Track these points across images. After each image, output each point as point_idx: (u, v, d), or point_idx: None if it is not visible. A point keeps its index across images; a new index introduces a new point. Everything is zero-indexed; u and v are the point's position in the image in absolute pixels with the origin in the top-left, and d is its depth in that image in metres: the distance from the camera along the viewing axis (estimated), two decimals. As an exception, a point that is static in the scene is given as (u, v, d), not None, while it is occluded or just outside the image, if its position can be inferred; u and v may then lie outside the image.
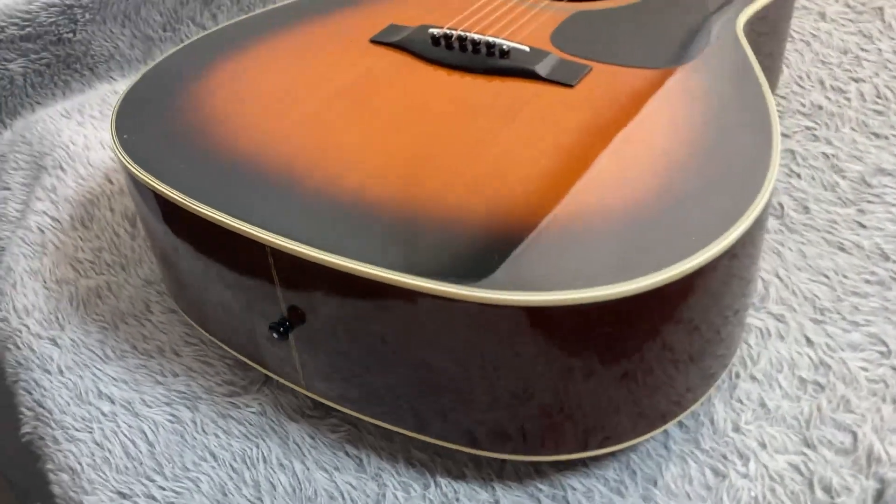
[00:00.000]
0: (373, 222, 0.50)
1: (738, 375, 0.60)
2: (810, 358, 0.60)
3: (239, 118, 0.61)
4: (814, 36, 0.91)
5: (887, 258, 0.67)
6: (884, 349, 0.60)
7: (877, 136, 0.79)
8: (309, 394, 0.58)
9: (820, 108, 0.82)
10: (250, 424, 0.60)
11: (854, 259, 0.67)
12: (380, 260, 0.47)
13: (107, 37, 0.97)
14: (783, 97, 0.84)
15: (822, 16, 0.93)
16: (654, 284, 0.46)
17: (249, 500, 0.56)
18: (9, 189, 0.87)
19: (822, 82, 0.85)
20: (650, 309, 0.48)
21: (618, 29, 0.69)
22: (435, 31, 0.66)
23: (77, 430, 0.62)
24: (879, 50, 0.89)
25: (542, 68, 0.62)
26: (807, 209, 0.72)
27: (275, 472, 0.58)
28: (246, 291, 0.55)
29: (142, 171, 0.56)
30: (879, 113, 0.81)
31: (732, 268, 0.51)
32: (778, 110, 0.81)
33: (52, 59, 0.95)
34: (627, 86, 0.61)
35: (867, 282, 0.65)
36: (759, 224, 0.52)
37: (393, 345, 0.50)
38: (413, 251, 0.48)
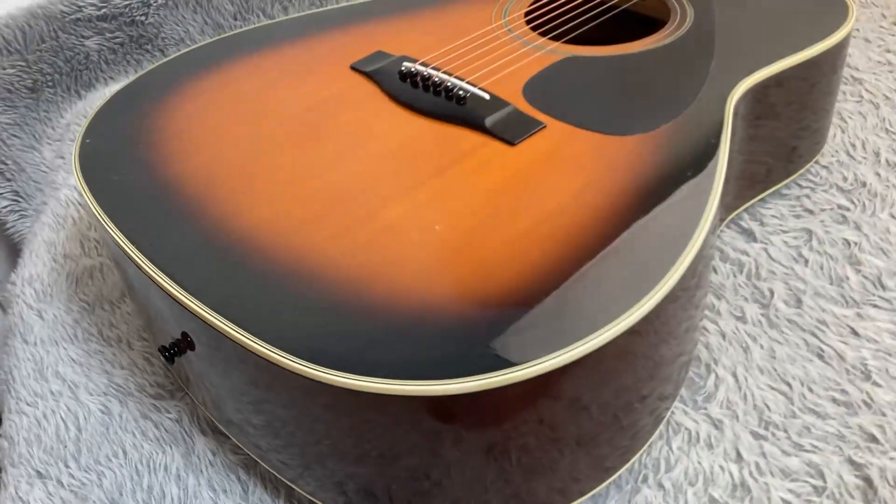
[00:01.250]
0: (240, 271, 0.50)
1: (644, 479, 0.55)
2: (732, 477, 0.54)
3: (181, 142, 0.62)
4: (886, 98, 0.80)
5: (868, 377, 0.58)
6: (819, 484, 0.53)
7: (917, 228, 0.68)
8: (206, 412, 0.60)
9: (864, 184, 0.72)
10: (165, 430, 0.63)
11: (829, 371, 0.59)
12: (234, 313, 0.47)
13: (178, 21, 1.03)
14: (825, 167, 0.74)
15: (906, 75, 0.82)
16: (519, 378, 0.43)
17: (138, 505, 0.59)
18: (62, 158, 0.95)
19: (877, 154, 0.75)
20: (525, 389, 0.45)
21: (597, 82, 0.64)
22: (405, 66, 0.65)
23: (27, 403, 0.68)
24: (962, 124, 0.76)
25: (490, 120, 0.59)
26: (799, 302, 0.64)
27: (169, 482, 0.60)
28: (154, 306, 0.57)
29: (81, 177, 0.59)
30: (931, 201, 0.70)
31: (633, 345, 0.47)
32: (814, 182, 0.73)
33: (126, 39, 1.01)
34: (570, 150, 0.57)
35: (833, 401, 0.57)
36: (666, 303, 0.47)
37: (253, 397, 0.50)
38: (272, 315, 0.47)
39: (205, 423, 0.63)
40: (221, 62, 0.69)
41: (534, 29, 0.72)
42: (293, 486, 0.55)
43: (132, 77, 1.02)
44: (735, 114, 0.62)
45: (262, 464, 0.57)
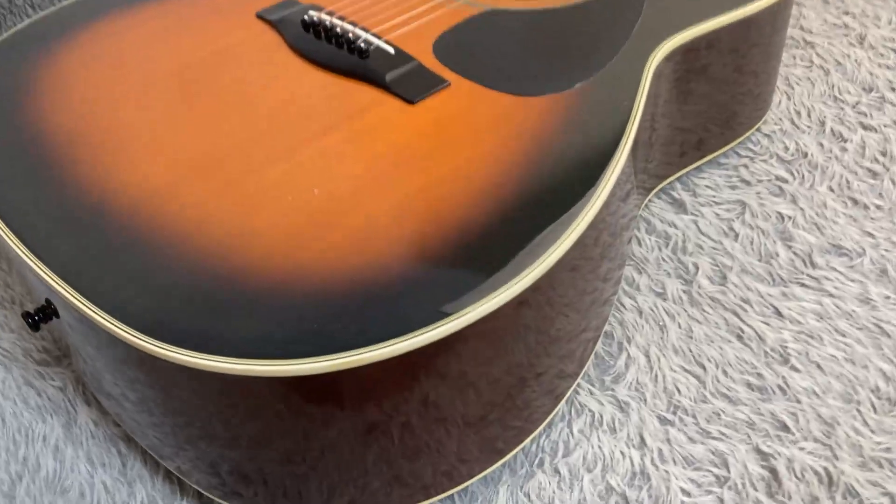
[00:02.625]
0: (94, 236, 0.46)
1: (541, 463, 0.51)
2: (632, 463, 0.51)
3: (56, 97, 0.57)
4: (838, 64, 0.75)
5: (786, 361, 0.55)
6: (723, 473, 0.50)
7: (855, 203, 0.64)
8: (87, 382, 0.57)
9: (805, 155, 0.68)
10: (48, 398, 0.59)
11: (747, 353, 0.56)
12: (78, 280, 0.43)
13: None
14: (767, 135, 0.70)
15: (861, 39, 0.77)
16: (394, 352, 0.40)
17: (10, 477, 0.56)
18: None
19: (822, 123, 0.71)
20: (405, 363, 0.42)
21: (514, 39, 0.59)
22: (309, 15, 0.60)
23: (-89, 364, 0.64)
24: (914, 93, 0.72)
25: (391, 76, 0.54)
26: (724, 279, 0.60)
27: (47, 454, 0.56)
28: (18, 268, 0.53)
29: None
30: (873, 175, 0.66)
31: (523, 318, 0.44)
32: (754, 151, 0.69)
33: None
34: (474, 112, 0.52)
35: (747, 385, 0.54)
36: (558, 270, 0.44)
37: (123, 373, 0.47)
38: (118, 284, 0.43)
39: (89, 392, 0.59)
40: (118, 9, 0.64)
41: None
42: (168, 466, 0.52)
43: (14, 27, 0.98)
44: (658, 76, 0.57)
45: (139, 441, 0.54)
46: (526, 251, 0.44)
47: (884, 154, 0.67)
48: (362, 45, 0.56)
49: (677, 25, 0.58)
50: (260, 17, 0.63)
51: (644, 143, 0.58)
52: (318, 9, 0.61)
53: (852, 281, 0.59)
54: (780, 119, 0.71)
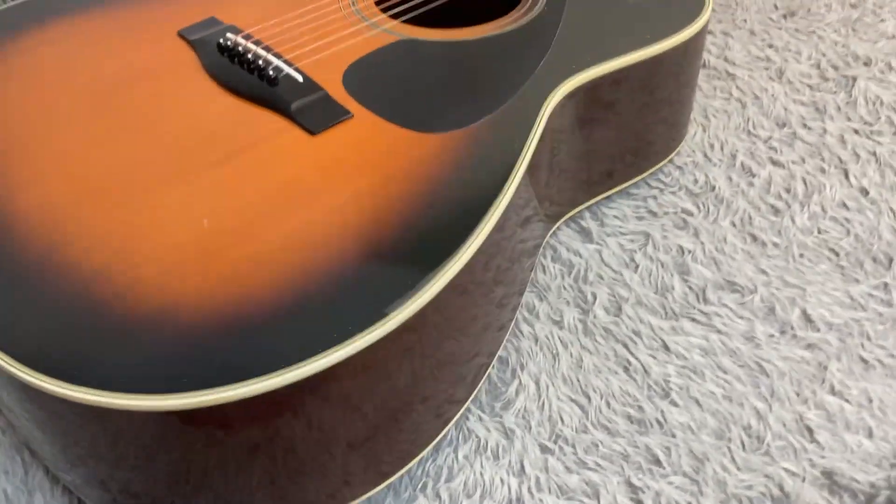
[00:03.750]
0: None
1: (423, 487, 0.54)
2: (510, 491, 0.53)
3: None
4: (756, 98, 0.77)
5: (666, 395, 0.57)
6: (593, 504, 0.53)
7: (754, 239, 0.67)
8: None
9: (713, 189, 0.70)
10: (-43, 403, 0.61)
11: (631, 386, 0.58)
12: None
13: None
14: (679, 167, 0.72)
15: (780, 74, 0.79)
16: (260, 390, 0.41)
17: (-87, 481, 0.57)
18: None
19: (733, 157, 0.73)
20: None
21: (422, 71, 0.60)
22: (225, 38, 0.60)
23: None
24: (824, 130, 0.74)
25: (296, 105, 0.56)
26: (619, 310, 0.62)
27: (-49, 459, 0.58)
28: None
29: None
30: (775, 212, 0.68)
31: (408, 342, 0.46)
32: (664, 183, 0.71)
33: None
34: (371, 145, 0.54)
35: (627, 418, 0.56)
36: (445, 295, 0.46)
37: (5, 391, 0.48)
38: (5, 315, 0.44)
39: (-2, 398, 0.61)
40: (39, 21, 0.65)
41: (381, 1, 0.68)
42: (63, 479, 0.54)
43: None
44: (559, 113, 0.59)
45: (36, 452, 0.55)
46: (406, 283, 0.45)
47: (788, 191, 0.69)
48: (271, 72, 0.57)
49: (581, 63, 0.60)
50: (181, 35, 0.64)
51: (545, 171, 0.60)
52: (237, 31, 0.63)
53: (741, 318, 0.61)
54: (694, 151, 0.73)
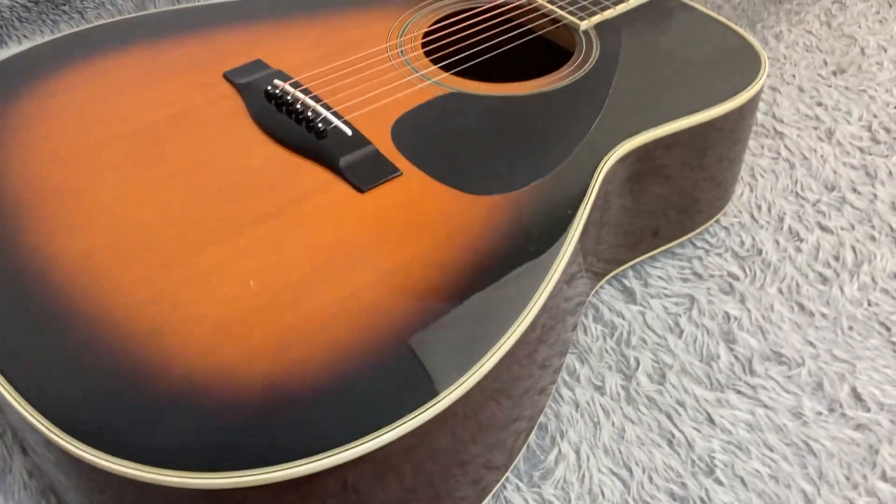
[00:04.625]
0: (17, 308, 0.46)
1: (459, 559, 0.52)
2: (548, 567, 0.52)
3: (13, 151, 0.57)
4: (804, 158, 0.76)
5: (711, 472, 0.56)
6: (634, 586, 0.51)
7: (802, 308, 0.65)
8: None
9: (760, 252, 0.69)
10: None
11: (674, 460, 0.56)
12: (5, 365, 0.44)
13: (98, -17, 0.97)
14: (725, 227, 0.71)
15: (830, 134, 0.77)
16: (312, 470, 0.40)
17: (-61, 524, 0.56)
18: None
19: (781, 220, 0.71)
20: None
21: (472, 127, 0.59)
22: (273, 85, 0.60)
23: None
24: (874, 196, 0.73)
25: (345, 161, 0.55)
26: (663, 378, 0.61)
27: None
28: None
29: None
30: (823, 280, 0.67)
31: (451, 414, 0.45)
32: (710, 244, 0.69)
33: (40, -3, 0.96)
34: (420, 206, 0.53)
35: (670, 495, 0.55)
36: (491, 374, 0.45)
37: (38, 440, 0.47)
38: (32, 366, 0.44)
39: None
40: (83, 57, 0.64)
41: (430, 53, 0.67)
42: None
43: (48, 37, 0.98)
44: (610, 178, 0.58)
45: (62, 498, 0.54)
46: (459, 360, 0.44)
47: (836, 258, 0.67)
48: (320, 125, 0.57)
49: (635, 127, 0.59)
50: (226, 77, 0.63)
51: (594, 228, 0.59)
52: (285, 77, 0.62)
53: (788, 392, 0.59)
54: (740, 212, 0.72)
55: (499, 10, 0.71)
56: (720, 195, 0.70)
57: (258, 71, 0.63)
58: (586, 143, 0.58)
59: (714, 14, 0.70)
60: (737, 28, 0.68)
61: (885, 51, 0.87)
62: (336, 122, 0.57)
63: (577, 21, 0.68)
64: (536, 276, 0.49)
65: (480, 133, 0.59)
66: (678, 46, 0.67)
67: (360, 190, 0.53)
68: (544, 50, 0.72)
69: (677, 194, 0.66)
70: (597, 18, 0.69)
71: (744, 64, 0.65)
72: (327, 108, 0.59)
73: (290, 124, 0.58)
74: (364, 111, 0.60)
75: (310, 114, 0.57)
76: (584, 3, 0.70)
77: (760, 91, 0.64)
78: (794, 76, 0.85)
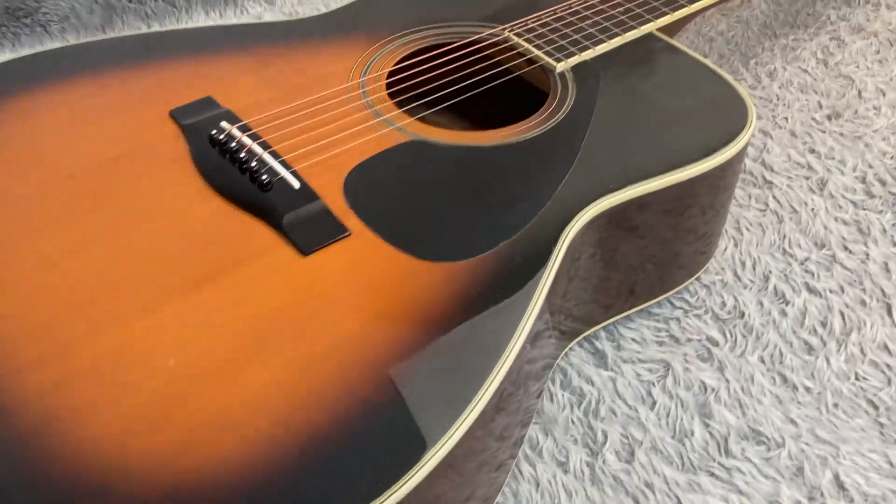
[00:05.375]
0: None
1: None
2: None
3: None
4: (794, 211, 0.71)
5: (678, 566, 0.51)
6: None
7: (784, 381, 0.61)
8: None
9: (742, 315, 0.64)
10: None
11: (639, 550, 0.52)
12: None
13: (62, -5, 0.93)
14: (706, 286, 0.66)
15: (822, 185, 0.73)
16: None
17: None
18: None
19: (766, 279, 0.67)
20: None
21: (431, 181, 0.55)
22: (218, 129, 0.55)
23: None
24: (866, 255, 0.68)
25: (289, 218, 0.50)
26: (632, 456, 0.56)
27: None
28: None
29: None
30: (809, 349, 0.63)
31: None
32: (689, 303, 0.65)
33: (0, 9, 0.92)
34: (367, 273, 0.48)
35: (633, 590, 0.50)
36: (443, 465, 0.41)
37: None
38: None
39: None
40: (23, 88, 0.60)
41: (397, 94, 0.63)
42: None
43: (26, 49, 0.94)
44: (578, 241, 0.53)
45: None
46: (407, 452, 0.40)
47: (824, 325, 0.63)
48: (264, 176, 0.52)
49: (607, 186, 0.54)
50: (172, 116, 0.59)
51: (562, 283, 0.54)
52: (233, 119, 0.57)
53: (766, 477, 0.55)
54: (723, 269, 0.67)
55: (472, 49, 0.67)
56: (702, 250, 0.66)
57: (206, 110, 0.59)
58: (553, 204, 0.53)
59: (700, 58, 0.65)
60: (724, 74, 0.63)
61: (884, 94, 0.83)
62: (283, 172, 0.53)
63: (553, 63, 0.64)
64: (495, 349, 0.45)
65: (440, 189, 0.54)
66: (660, 93, 0.63)
67: (304, 252, 0.49)
68: (523, 89, 0.67)
69: (655, 252, 0.61)
70: (574, 60, 0.65)
71: (730, 115, 0.61)
72: (275, 156, 0.54)
73: (233, 174, 0.53)
74: (316, 160, 0.55)
75: (254, 163, 0.53)
76: (562, 42, 0.66)
77: (746, 146, 0.59)
78: (786, 119, 0.80)
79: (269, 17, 0.95)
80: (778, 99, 0.82)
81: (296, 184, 0.52)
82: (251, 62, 0.64)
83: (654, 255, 0.61)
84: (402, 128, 0.58)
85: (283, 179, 0.53)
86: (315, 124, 0.58)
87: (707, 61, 0.65)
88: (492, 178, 0.55)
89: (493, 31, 0.68)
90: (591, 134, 0.58)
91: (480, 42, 0.67)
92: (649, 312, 0.65)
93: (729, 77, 0.63)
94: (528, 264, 0.50)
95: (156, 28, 0.95)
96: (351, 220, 0.51)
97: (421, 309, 0.47)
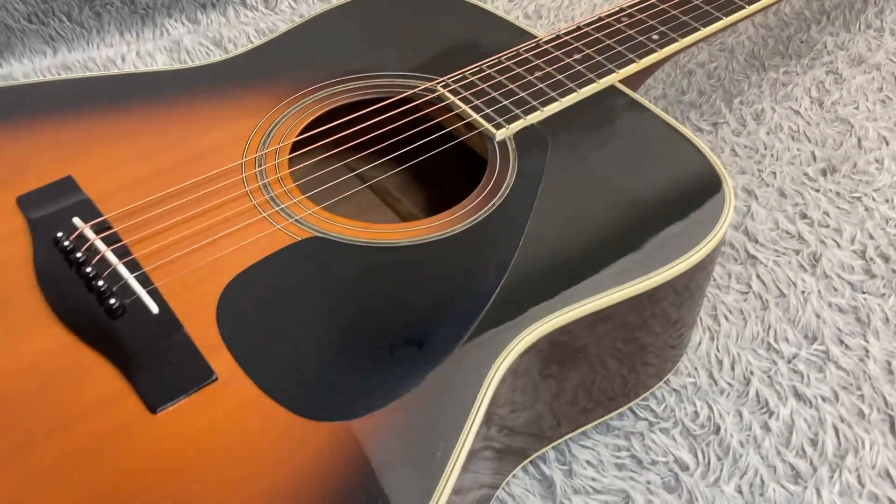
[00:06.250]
0: None
1: None
2: None
3: None
4: (781, 295, 0.60)
5: None
6: None
7: (766, 519, 0.51)
8: None
9: (717, 431, 0.54)
10: None
11: None
12: None
13: (-52, 18, 0.81)
14: (676, 390, 0.56)
15: (814, 262, 0.62)
16: None
17: None
18: None
19: (747, 382, 0.56)
20: None
21: (328, 300, 0.43)
22: (66, 229, 0.44)
23: None
24: (866, 353, 0.57)
25: (139, 360, 0.40)
26: None
27: None
28: None
29: None
30: (795, 477, 0.52)
31: None
32: (655, 413, 0.55)
33: None
34: (234, 435, 0.37)
35: None
36: None
37: None
38: None
39: None
40: None
41: (305, 170, 0.52)
42: None
43: None
44: (510, 374, 0.42)
45: None
46: None
47: (814, 444, 0.53)
48: (113, 301, 0.41)
49: (549, 303, 0.44)
50: (20, 205, 0.48)
51: (497, 412, 0.44)
52: (90, 212, 0.46)
53: None
54: (696, 369, 0.57)
55: (400, 109, 0.55)
56: (668, 359, 0.56)
57: (61, 197, 0.47)
58: (479, 331, 0.43)
59: (669, 119, 0.54)
60: (697, 142, 0.52)
61: (887, 143, 0.72)
62: (139, 291, 0.42)
63: (492, 129, 0.53)
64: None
65: (338, 311, 0.43)
66: (617, 169, 0.51)
67: (153, 408, 0.38)
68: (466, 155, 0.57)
69: (611, 370, 0.51)
70: (517, 125, 0.54)
71: (704, 198, 0.50)
72: (135, 266, 0.43)
73: (78, 290, 0.42)
74: (188, 271, 0.44)
75: (102, 283, 0.42)
76: (505, 101, 0.54)
77: (723, 240, 0.49)
78: (774, 174, 0.70)
79: (189, 40, 0.83)
80: (766, 148, 0.71)
81: (154, 307, 0.42)
82: (127, 126, 0.53)
83: (608, 377, 0.51)
84: (302, 220, 0.48)
85: (138, 301, 0.42)
86: (191, 219, 0.46)
87: (676, 124, 0.54)
88: (404, 295, 0.44)
89: (424, 86, 0.57)
90: (532, 228, 0.47)
91: (411, 100, 0.56)
92: (608, 425, 0.55)
93: (702, 144, 0.52)
94: (446, 416, 0.40)
95: (62, 54, 0.84)
96: (221, 359, 0.40)
97: (310, 487, 0.37)
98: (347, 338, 0.42)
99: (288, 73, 0.58)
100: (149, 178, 0.49)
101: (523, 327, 0.43)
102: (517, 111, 0.54)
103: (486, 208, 0.49)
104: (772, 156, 0.71)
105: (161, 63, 0.83)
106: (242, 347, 0.41)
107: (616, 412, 0.55)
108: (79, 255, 0.43)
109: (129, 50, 0.85)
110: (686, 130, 0.54)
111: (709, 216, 0.49)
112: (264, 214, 0.47)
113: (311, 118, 0.55)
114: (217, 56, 0.84)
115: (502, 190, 0.50)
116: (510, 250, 0.46)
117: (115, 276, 0.42)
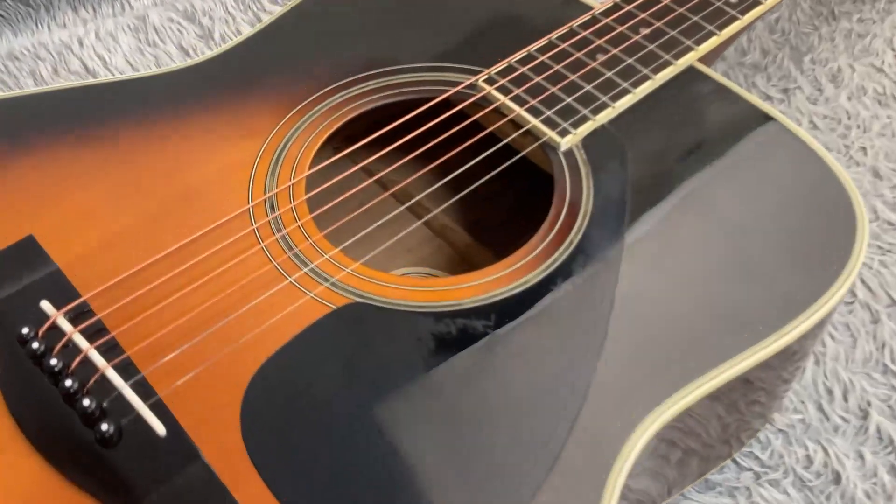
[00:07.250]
0: None
1: None
2: None
3: None
4: (892, 303, 0.52)
5: None
6: None
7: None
8: None
9: (836, 479, 0.45)
10: None
11: None
12: None
13: None
14: (782, 430, 0.47)
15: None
16: None
17: None
18: None
19: (864, 414, 0.47)
20: None
21: (377, 388, 0.33)
22: (33, 320, 0.34)
23: None
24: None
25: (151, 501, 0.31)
26: None
27: None
28: None
29: None
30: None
31: None
32: (760, 461, 0.46)
33: None
34: None
35: None
36: None
37: None
38: None
39: None
40: None
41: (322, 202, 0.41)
42: None
43: None
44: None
45: None
46: None
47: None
48: (105, 428, 0.32)
49: (665, 384, 0.34)
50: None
51: None
52: (63, 289, 0.36)
53: None
54: (803, 402, 0.48)
55: (439, 118, 0.43)
56: (784, 381, 0.46)
57: (21, 269, 0.37)
58: (589, 416, 0.33)
59: (769, 109, 0.44)
60: (816, 147, 0.42)
61: None
62: (139, 406, 0.32)
63: (556, 137, 0.43)
64: None
65: (395, 403, 0.34)
66: (722, 186, 0.41)
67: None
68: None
69: (716, 424, 0.42)
70: (585, 128, 0.43)
71: (832, 221, 0.40)
72: (130, 370, 0.34)
73: (55, 405, 0.33)
74: (199, 370, 0.34)
75: (87, 402, 0.32)
76: (568, 99, 0.44)
77: (855, 279, 0.39)
78: (864, 150, 0.60)
79: (156, 14, 0.71)
80: (849, 118, 0.61)
81: (160, 428, 0.32)
82: (100, 158, 0.42)
83: (711, 442, 0.42)
84: (340, 282, 0.38)
85: (139, 421, 0.32)
86: (195, 292, 0.36)
87: (781, 116, 0.44)
88: (478, 378, 0.34)
89: (465, 83, 0.45)
90: (624, 279, 0.38)
91: (449, 104, 0.44)
92: (707, 481, 0.46)
93: (822, 150, 0.42)
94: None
95: (7, 39, 0.71)
96: (250, 489, 0.32)
97: None
98: (414, 440, 0.33)
99: (291, 72, 0.47)
100: (134, 231, 0.39)
101: (638, 418, 0.34)
102: (584, 111, 0.43)
103: (563, 246, 0.39)
104: (858, 127, 0.61)
105: (126, 45, 0.71)
106: (276, 470, 0.31)
107: (716, 469, 0.46)
108: (53, 361, 0.33)
109: (86, 31, 0.72)
110: (796, 127, 0.43)
111: (843, 241, 0.39)
112: (290, 279, 0.37)
113: (327, 133, 0.44)
114: (191, 33, 0.71)
115: (580, 220, 0.40)
116: (603, 310, 0.36)
117: (105, 385, 0.33)
